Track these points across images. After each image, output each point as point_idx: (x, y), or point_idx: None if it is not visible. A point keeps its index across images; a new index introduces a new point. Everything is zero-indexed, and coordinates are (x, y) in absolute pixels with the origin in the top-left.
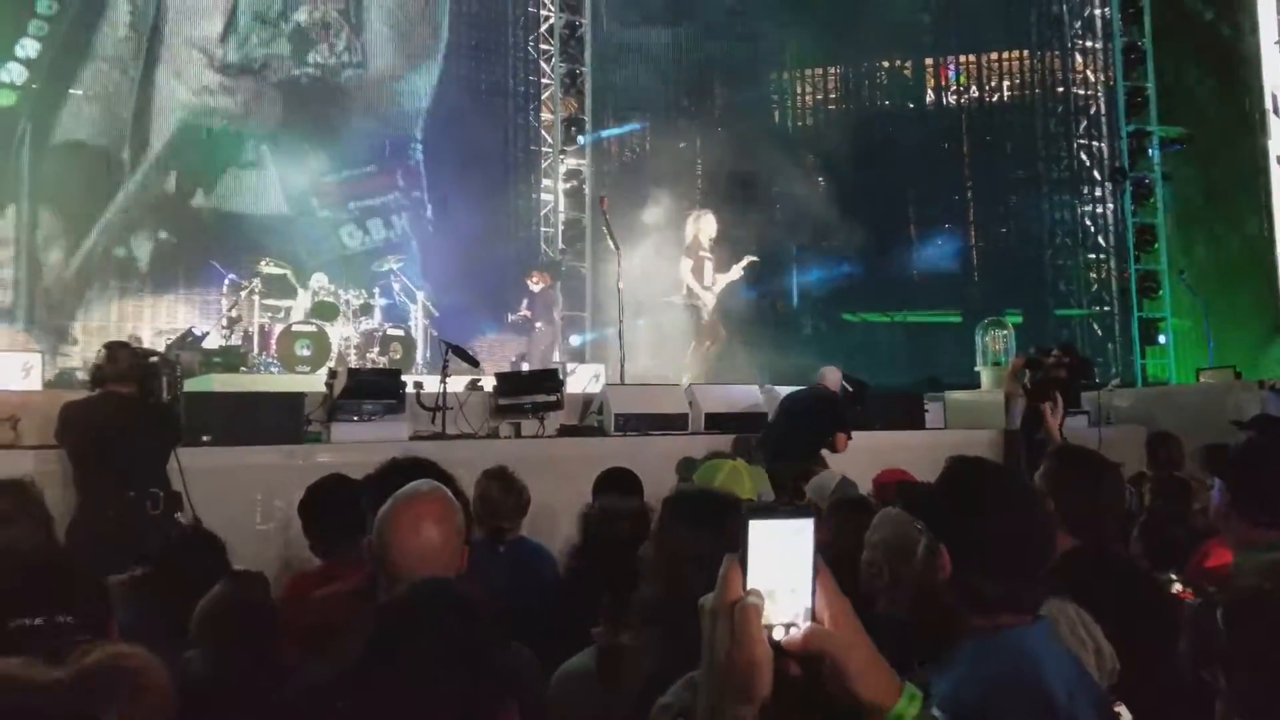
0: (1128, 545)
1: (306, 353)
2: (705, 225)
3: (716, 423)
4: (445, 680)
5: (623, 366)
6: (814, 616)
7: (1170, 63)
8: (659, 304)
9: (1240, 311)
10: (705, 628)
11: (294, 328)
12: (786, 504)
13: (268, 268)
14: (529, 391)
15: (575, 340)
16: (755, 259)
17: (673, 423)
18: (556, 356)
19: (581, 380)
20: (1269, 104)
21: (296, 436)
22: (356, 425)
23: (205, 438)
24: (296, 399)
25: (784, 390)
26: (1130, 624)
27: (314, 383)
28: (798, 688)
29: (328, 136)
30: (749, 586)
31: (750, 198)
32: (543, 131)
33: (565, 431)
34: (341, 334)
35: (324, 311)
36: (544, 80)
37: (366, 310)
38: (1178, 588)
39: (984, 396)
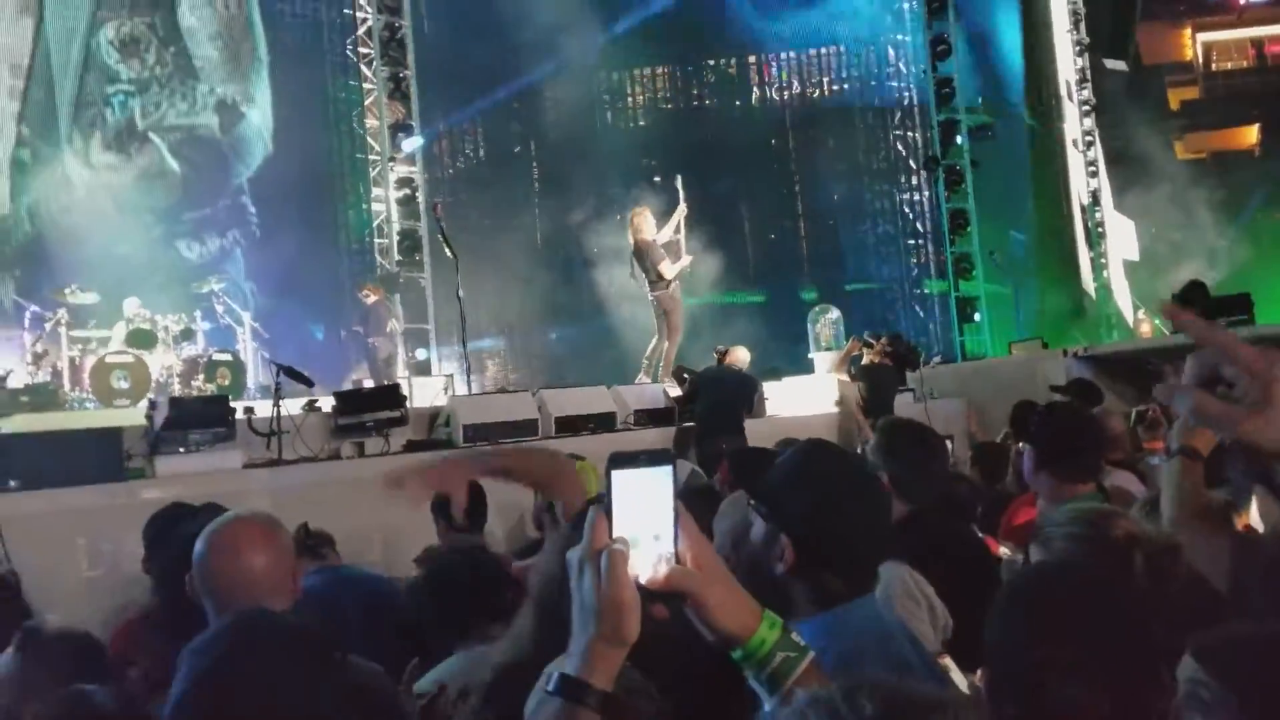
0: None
1: (124, 385)
2: (644, 220)
3: (568, 426)
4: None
5: (469, 376)
6: (677, 558)
7: (975, 52)
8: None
9: (1046, 286)
10: (573, 578)
11: (108, 359)
12: (646, 452)
13: (74, 296)
14: (371, 409)
15: (421, 354)
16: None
17: (522, 430)
18: (401, 371)
19: (429, 394)
20: (1063, 91)
21: (117, 474)
22: (184, 457)
23: (12, 483)
24: (113, 434)
25: (627, 390)
26: (959, 582)
27: (135, 416)
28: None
29: (157, 156)
30: (615, 534)
31: (586, 197)
32: (369, 139)
33: (412, 447)
34: (162, 362)
35: (140, 339)
36: (366, 85)
37: (188, 335)
38: None
39: (819, 381)
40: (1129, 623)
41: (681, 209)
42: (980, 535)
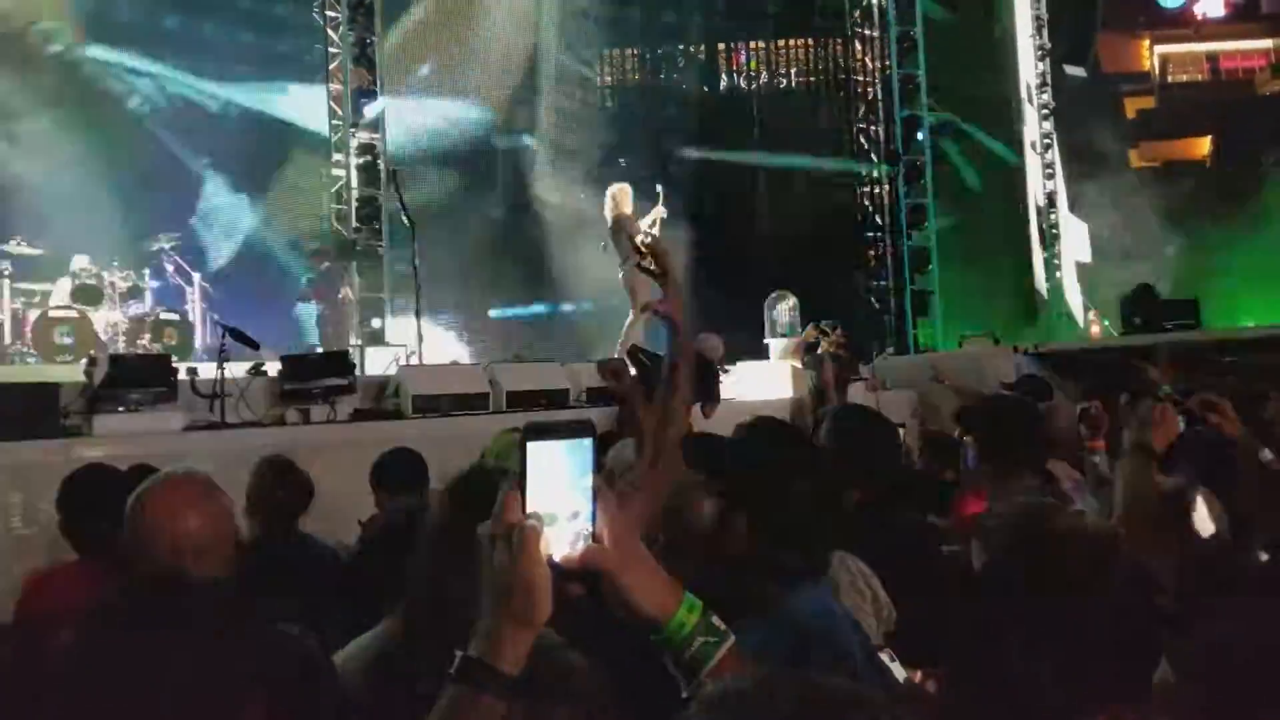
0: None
1: (68, 340)
2: (626, 197)
3: (519, 401)
4: (156, 684)
5: (420, 347)
6: (594, 537)
7: (940, 51)
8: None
9: (1001, 283)
10: (484, 553)
11: (51, 314)
12: (564, 423)
13: (19, 248)
14: (318, 375)
15: (376, 323)
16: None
17: (473, 403)
18: (354, 340)
19: (383, 364)
20: (1023, 93)
21: (52, 431)
22: (123, 416)
23: None
24: (48, 390)
25: (582, 367)
26: (906, 572)
27: (76, 373)
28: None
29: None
30: (528, 509)
31: (551, 174)
32: (332, 104)
33: (359, 416)
34: (108, 319)
35: (86, 295)
36: (332, 50)
37: (136, 293)
38: None
39: (774, 367)
40: (1080, 606)
41: (660, 210)
42: (931, 524)
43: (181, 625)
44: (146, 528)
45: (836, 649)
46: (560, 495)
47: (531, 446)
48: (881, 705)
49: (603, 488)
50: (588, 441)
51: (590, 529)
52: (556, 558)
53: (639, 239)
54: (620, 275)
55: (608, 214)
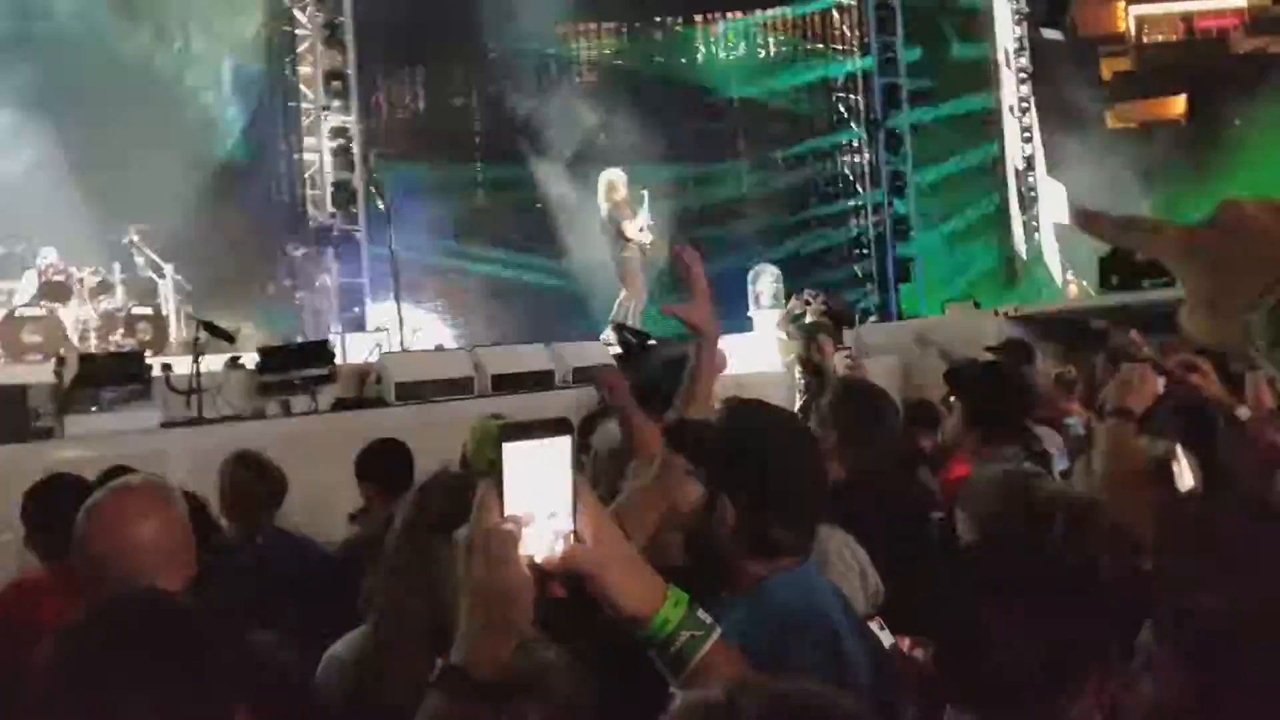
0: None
1: (36, 339)
2: (620, 184)
3: (504, 384)
4: (135, 703)
5: (402, 332)
6: (576, 536)
7: (918, 18)
8: None
9: (979, 248)
10: (460, 560)
11: (17, 313)
12: (541, 422)
13: None
14: (297, 366)
15: (354, 310)
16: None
17: (458, 388)
18: (334, 327)
19: (363, 350)
20: (1000, 57)
21: (22, 433)
22: (96, 416)
23: None
24: (16, 391)
25: (567, 347)
26: (894, 546)
27: (46, 373)
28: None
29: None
30: (507, 512)
31: (533, 151)
32: (302, 86)
33: (340, 405)
34: (78, 316)
35: (54, 292)
36: (299, 32)
37: (106, 288)
38: None
39: (759, 339)
40: (1067, 588)
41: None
42: (917, 494)
43: (161, 639)
44: (95, 543)
45: (819, 630)
46: (539, 495)
47: (508, 448)
48: (851, 713)
49: (583, 486)
50: (566, 439)
51: (572, 528)
52: (538, 559)
53: (641, 235)
54: (612, 260)
55: (601, 202)
